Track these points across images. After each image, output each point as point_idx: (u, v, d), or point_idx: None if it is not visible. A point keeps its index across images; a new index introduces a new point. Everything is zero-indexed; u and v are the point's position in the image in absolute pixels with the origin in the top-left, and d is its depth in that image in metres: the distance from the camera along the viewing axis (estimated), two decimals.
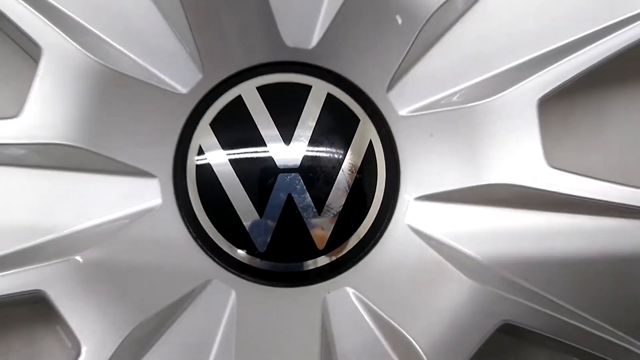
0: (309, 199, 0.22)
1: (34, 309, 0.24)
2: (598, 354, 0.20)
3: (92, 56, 0.20)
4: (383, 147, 0.22)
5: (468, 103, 0.22)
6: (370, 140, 0.22)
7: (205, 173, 0.21)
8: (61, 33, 0.19)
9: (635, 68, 0.26)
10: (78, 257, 0.19)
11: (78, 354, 0.20)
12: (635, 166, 0.26)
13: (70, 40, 0.19)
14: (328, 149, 0.22)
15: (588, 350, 0.20)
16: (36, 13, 0.19)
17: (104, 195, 0.20)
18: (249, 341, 0.21)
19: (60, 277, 0.19)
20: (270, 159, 0.21)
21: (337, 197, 0.22)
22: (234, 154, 0.21)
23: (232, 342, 0.20)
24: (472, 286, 0.21)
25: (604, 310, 0.20)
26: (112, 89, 0.20)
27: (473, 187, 0.22)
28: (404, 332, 0.21)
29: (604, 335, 0.20)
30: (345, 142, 0.21)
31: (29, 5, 0.19)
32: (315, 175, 0.22)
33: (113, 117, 0.20)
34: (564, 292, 0.20)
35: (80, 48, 0.19)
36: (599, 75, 0.23)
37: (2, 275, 0.18)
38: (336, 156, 0.22)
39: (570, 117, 0.27)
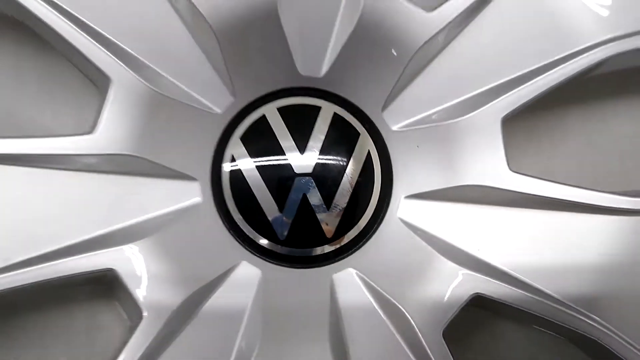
0: (319, 197, 0.26)
1: (94, 290, 0.29)
2: (552, 320, 0.25)
3: (148, 84, 0.24)
4: (379, 156, 0.27)
5: (447, 120, 0.27)
6: (369, 151, 0.27)
7: (237, 177, 0.26)
8: (125, 67, 0.24)
9: (590, 87, 0.30)
10: (140, 243, 0.24)
11: (138, 321, 0.24)
12: (589, 171, 0.31)
13: (131, 72, 0.24)
14: (334, 158, 0.26)
15: (544, 317, 0.25)
16: (107, 52, 0.23)
17: (157, 194, 0.25)
18: (273, 311, 0.25)
19: (127, 259, 0.23)
20: (289, 165, 0.26)
21: (342, 196, 0.26)
22: (260, 161, 0.26)
23: (259, 312, 0.25)
24: (451, 267, 0.26)
25: (556, 283, 0.25)
26: (163, 110, 0.25)
27: (451, 188, 0.26)
28: (396, 304, 0.25)
29: (556, 306, 0.25)
30: (348, 152, 0.26)
31: (101, 45, 0.23)
32: (325, 178, 0.26)
33: (164, 133, 0.25)
34: (524, 269, 0.25)
35: (139, 78, 0.24)
36: (559, 95, 0.28)
37: (83, 257, 0.23)
38: (341, 163, 0.26)
39: (534, 130, 0.31)
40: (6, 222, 0.22)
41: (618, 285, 0.25)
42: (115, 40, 0.24)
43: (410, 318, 0.25)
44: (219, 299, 0.25)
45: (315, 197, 0.26)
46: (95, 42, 0.23)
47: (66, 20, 0.23)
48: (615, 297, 0.24)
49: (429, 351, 0.24)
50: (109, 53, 0.23)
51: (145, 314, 0.23)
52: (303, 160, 0.26)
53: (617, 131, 0.30)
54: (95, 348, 0.28)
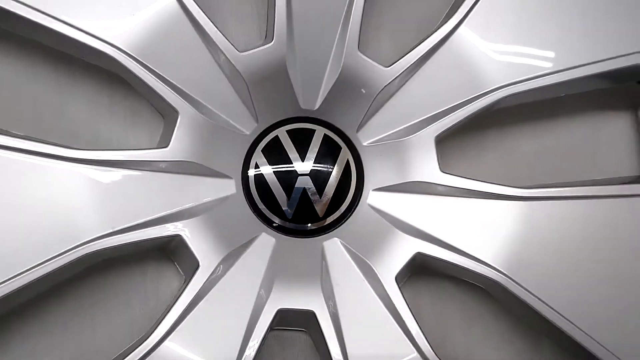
0: (314, 190, 0.38)
1: (146, 256, 0.39)
2: (469, 269, 0.36)
3: (202, 115, 0.36)
4: (354, 162, 0.38)
5: (400, 138, 0.38)
6: (347, 159, 0.39)
7: (259, 177, 0.37)
8: (188, 104, 0.35)
9: (507, 111, 0.42)
10: (196, 219, 0.35)
11: (193, 273, 0.36)
12: (505, 172, 0.42)
13: (191, 107, 0.35)
14: (324, 164, 0.38)
15: (465, 268, 0.36)
16: (176, 94, 0.35)
17: (207, 187, 0.36)
18: (282, 267, 0.37)
19: (188, 229, 0.35)
20: (294, 169, 0.37)
21: (329, 189, 0.38)
22: (274, 167, 0.37)
23: (273, 267, 0.36)
24: (402, 236, 0.37)
25: (473, 245, 0.36)
26: (211, 132, 0.36)
27: (403, 183, 0.38)
28: (366, 260, 0.37)
29: (471, 261, 0.36)
30: (333, 160, 0.38)
31: (173, 90, 0.35)
32: (318, 177, 0.38)
33: (211, 146, 0.36)
34: (451, 236, 0.36)
35: (196, 111, 0.36)
36: (479, 121, 0.40)
37: (161, 227, 0.34)
38: (329, 167, 0.38)
39: (465, 144, 0.43)
40: (113, 202, 0.33)
41: (515, 243, 0.36)
42: (181, 87, 0.35)
43: (375, 270, 0.37)
44: (246, 258, 0.37)
45: (311, 190, 0.38)
46: (169, 88, 0.35)
47: (150, 74, 0.35)
48: (511, 251, 0.36)
49: (387, 290, 0.36)
50: (177, 95, 0.35)
51: (200, 265, 0.34)
52: (303, 166, 0.38)
53: (523, 150, 0.42)
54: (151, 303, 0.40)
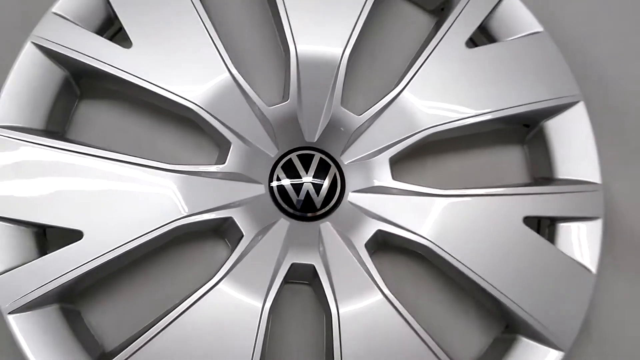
0: (314, 192, 0.57)
1: (205, 236, 0.59)
2: (410, 240, 0.56)
3: (244, 144, 0.56)
4: (339, 175, 0.57)
5: (368, 159, 0.58)
6: (335, 173, 0.58)
7: (280, 185, 0.57)
8: (237, 137, 0.56)
9: (438, 143, 0.62)
10: (239, 208, 0.55)
11: (237, 242, 0.55)
12: (438, 181, 0.62)
13: (238, 139, 0.56)
14: (320, 176, 0.57)
15: (407, 240, 0.56)
16: (230, 131, 0.56)
17: (246, 189, 0.56)
18: (293, 239, 0.56)
19: (236, 214, 0.55)
20: (301, 179, 0.57)
21: (323, 191, 0.57)
22: (290, 178, 0.57)
23: (287, 241, 0.56)
24: (369, 220, 0.56)
25: (411, 223, 0.56)
26: (249, 155, 0.57)
27: (370, 187, 0.57)
28: (347, 235, 0.56)
29: (409, 234, 0.56)
30: (325, 173, 0.56)
31: (228, 130, 0.56)
32: (316, 185, 0.58)
33: (249, 164, 0.56)
34: (399, 218, 0.56)
35: (241, 141, 0.56)
36: (421, 148, 0.60)
37: (219, 212, 0.54)
38: (323, 178, 0.58)
39: (412, 164, 0.63)
40: (191, 196, 0.53)
41: (440, 222, 0.55)
42: (233, 127, 0.56)
43: (353, 242, 0.56)
44: (271, 233, 0.56)
45: (311, 192, 0.57)
46: (225, 128, 0.55)
47: (214, 119, 0.55)
48: (437, 227, 0.55)
49: (360, 254, 0.55)
50: (231, 132, 0.55)
51: (244, 235, 0.54)
52: (307, 177, 0.58)
53: (450, 168, 0.62)
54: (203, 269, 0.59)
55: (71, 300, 0.54)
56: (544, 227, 0.58)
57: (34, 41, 0.53)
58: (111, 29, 0.56)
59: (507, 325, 0.58)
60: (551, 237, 0.57)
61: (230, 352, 0.51)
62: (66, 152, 0.52)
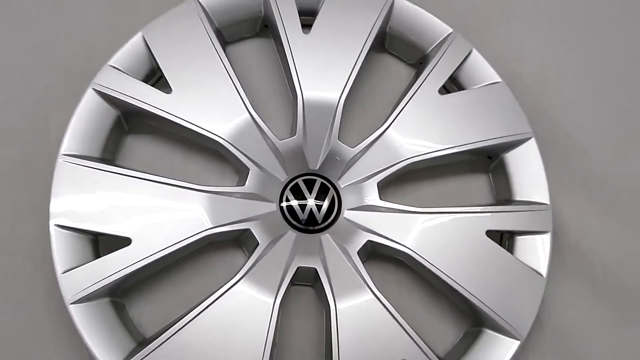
0: (316, 210, 0.69)
1: (225, 246, 0.71)
2: (394, 249, 0.67)
3: (260, 170, 0.69)
4: (336, 196, 0.70)
5: (360, 183, 0.70)
6: (333, 194, 0.70)
7: (289, 204, 0.69)
8: (253, 164, 0.68)
9: (417, 172, 0.75)
10: (255, 222, 0.67)
11: (253, 250, 0.67)
12: (417, 202, 0.74)
13: (255, 166, 0.68)
14: (320, 197, 0.70)
15: (393, 249, 0.68)
16: (250, 160, 0.68)
17: (261, 206, 0.68)
18: (299, 248, 0.67)
19: (253, 226, 0.66)
20: (305, 200, 0.69)
21: (323, 210, 0.68)
22: (297, 199, 0.69)
23: (293, 248, 0.67)
24: (360, 232, 0.68)
25: (397, 235, 0.68)
26: (264, 179, 0.69)
27: (362, 205, 0.69)
28: (343, 245, 0.67)
29: (394, 244, 0.68)
30: (325, 195, 0.68)
31: (247, 159, 0.68)
32: (317, 204, 0.70)
33: (263, 187, 0.69)
34: (386, 231, 0.68)
35: (257, 168, 0.68)
36: (402, 176, 0.73)
37: (239, 225, 0.66)
38: (323, 198, 0.70)
39: (395, 190, 0.75)
40: (216, 211, 0.65)
41: (419, 233, 0.68)
42: (251, 157, 0.68)
43: (348, 250, 0.68)
44: (281, 242, 0.68)
45: (315, 210, 0.69)
46: (246, 157, 0.68)
47: (237, 150, 0.68)
48: (417, 238, 0.67)
49: (353, 259, 0.67)
50: (250, 161, 0.68)
51: (260, 244, 0.66)
52: (310, 198, 0.70)
53: (427, 193, 0.74)
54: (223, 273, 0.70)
55: (118, 295, 0.65)
56: (505, 239, 0.70)
57: (94, 87, 0.66)
58: (155, 77, 0.70)
59: (475, 321, 0.69)
60: (510, 247, 0.69)
61: (246, 340, 0.62)
62: (117, 175, 0.64)
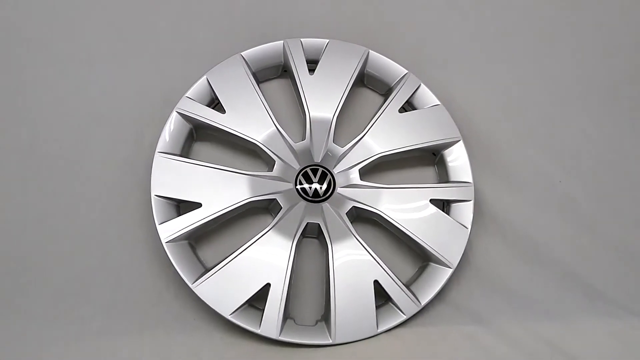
0: (319, 187, 1.02)
1: (260, 212, 1.04)
2: (377, 214, 1.00)
3: (282, 162, 1.02)
4: (332, 178, 1.03)
5: (348, 170, 1.04)
6: (330, 177, 1.04)
7: (302, 186, 1.02)
8: (278, 158, 1.02)
9: (391, 163, 1.08)
10: (280, 194, 1.00)
11: (279, 211, 0.99)
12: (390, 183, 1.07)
13: (279, 159, 1.02)
14: (322, 180, 1.03)
15: (377, 215, 1.00)
16: (275, 155, 1.02)
17: (283, 185, 1.01)
18: (308, 212, 1.00)
19: (278, 197, 0.99)
20: (312, 182, 1.02)
21: (323, 188, 1.02)
22: (306, 181, 1.03)
23: (304, 213, 1.00)
24: (348, 201, 1.01)
25: (378, 205, 1.00)
26: (285, 168, 1.02)
27: (349, 185, 1.03)
28: (337, 209, 1.01)
29: (374, 209, 1.00)
30: (324, 178, 1.02)
31: (274, 154, 1.02)
32: (321, 186, 1.03)
33: (284, 173, 1.02)
34: (366, 200, 1.00)
35: (278, 161, 1.02)
36: (382, 166, 1.06)
37: (271, 194, 0.99)
38: (324, 181, 1.03)
39: (377, 175, 1.08)
40: (254, 187, 0.99)
41: (387, 201, 1.00)
42: (277, 153, 1.02)
43: (340, 213, 1.00)
44: (296, 208, 1.00)
45: (318, 188, 1.02)
46: (274, 154, 1.02)
47: (268, 149, 1.02)
48: (386, 204, 1.00)
49: (343, 219, 0.99)
50: (276, 156, 1.02)
51: (282, 208, 0.99)
52: (315, 181, 1.03)
53: (391, 178, 1.07)
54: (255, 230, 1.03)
55: (193, 240, 0.98)
56: (445, 206, 1.03)
57: (177, 111, 1.01)
58: (214, 103, 1.04)
59: (424, 259, 1.01)
60: (447, 210, 1.02)
61: (274, 269, 0.94)
62: (191, 164, 0.98)
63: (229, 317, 0.91)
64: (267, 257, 0.95)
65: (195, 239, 1.00)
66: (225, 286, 0.93)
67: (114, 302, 0.95)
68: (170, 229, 0.95)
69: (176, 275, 0.92)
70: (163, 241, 0.94)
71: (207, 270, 0.94)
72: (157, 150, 0.99)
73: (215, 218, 0.96)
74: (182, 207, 0.99)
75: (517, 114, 1.11)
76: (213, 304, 0.92)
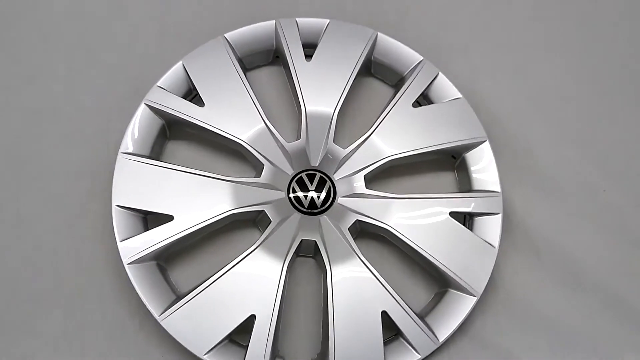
0: (317, 197, 0.84)
1: (244, 225, 0.86)
2: (379, 227, 0.82)
3: (272, 166, 0.84)
4: (332, 186, 0.85)
5: (350, 176, 0.85)
6: (330, 185, 0.85)
7: (295, 194, 0.84)
8: (267, 161, 0.84)
9: (398, 168, 0.90)
10: (269, 204, 0.82)
11: (267, 225, 0.81)
12: (398, 191, 0.89)
13: (269, 163, 0.84)
14: (320, 188, 0.85)
15: (379, 228, 0.82)
16: (265, 158, 0.84)
17: (273, 194, 0.83)
18: (303, 225, 0.82)
19: (267, 209, 0.81)
20: (308, 190, 0.84)
21: (321, 197, 0.84)
22: (301, 189, 0.84)
23: (299, 225, 0.82)
24: (350, 213, 0.83)
25: (381, 216, 0.82)
26: (275, 173, 0.84)
27: (352, 193, 0.84)
28: (337, 223, 0.82)
29: (377, 222, 0.82)
30: (323, 185, 0.84)
31: (262, 156, 0.84)
32: (318, 193, 0.85)
33: (275, 179, 0.84)
34: (372, 212, 0.82)
35: (268, 165, 0.84)
36: (387, 171, 0.88)
37: (256, 206, 0.81)
38: (322, 189, 0.85)
39: (381, 182, 0.90)
40: (237, 196, 0.81)
41: (398, 214, 0.82)
42: (266, 155, 0.84)
43: (341, 228, 0.82)
44: (289, 221, 0.82)
45: (315, 198, 0.84)
46: (262, 155, 0.84)
47: (255, 150, 0.83)
48: (396, 218, 0.81)
49: (345, 234, 0.81)
50: (265, 158, 0.83)
51: (272, 221, 0.81)
52: (312, 188, 0.85)
53: (404, 186, 0.89)
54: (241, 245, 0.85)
55: (162, 260, 0.80)
56: (467, 219, 0.85)
57: (146, 103, 0.83)
58: (191, 95, 0.86)
59: (442, 284, 0.83)
60: (470, 225, 0.84)
61: (260, 296, 0.77)
62: (162, 168, 0.80)
63: (205, 358, 0.73)
64: (253, 283, 0.77)
65: (166, 259, 0.82)
66: (200, 318, 0.75)
67: (65, 334, 0.77)
68: (135, 247, 0.77)
69: (142, 303, 0.74)
70: (125, 262, 0.76)
71: (179, 298, 0.76)
72: (121, 150, 0.81)
73: (190, 234, 0.78)
74: (149, 220, 0.81)
75: (553, 109, 0.92)
76: (185, 341, 0.74)
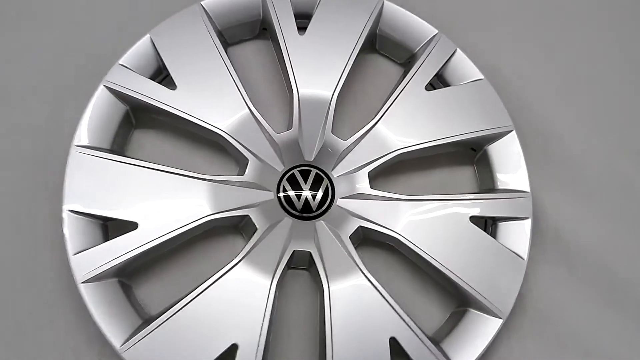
0: (311, 198, 0.71)
1: (227, 232, 0.72)
2: (383, 234, 0.69)
3: (258, 161, 0.70)
4: (330, 185, 0.72)
5: (352, 173, 0.71)
6: (327, 184, 0.72)
7: (286, 194, 0.70)
8: (252, 155, 0.70)
9: (407, 162, 0.76)
10: (255, 208, 0.68)
11: (252, 234, 0.68)
12: (408, 191, 0.75)
13: (254, 157, 0.70)
14: (315, 187, 0.71)
15: (381, 235, 0.69)
16: (250, 153, 0.70)
17: (260, 195, 0.69)
18: (295, 233, 0.69)
19: (252, 213, 0.68)
20: (301, 189, 0.71)
21: (317, 198, 0.71)
22: (293, 188, 0.71)
23: (290, 232, 0.69)
24: (352, 218, 0.69)
25: (385, 221, 0.69)
26: (262, 170, 0.70)
27: (354, 194, 0.71)
28: (334, 228, 0.69)
29: (382, 229, 0.69)
30: (319, 183, 0.71)
31: (246, 149, 0.70)
32: (314, 193, 0.71)
33: (262, 176, 0.70)
34: (375, 217, 0.69)
35: (255, 159, 0.70)
36: (394, 167, 0.74)
37: (240, 211, 0.67)
38: (317, 188, 0.71)
39: (387, 179, 0.76)
40: (218, 198, 0.67)
41: (407, 219, 0.69)
42: (250, 148, 0.70)
43: (340, 235, 0.69)
44: (279, 227, 0.69)
45: (310, 199, 0.71)
46: (245, 149, 0.70)
47: (237, 142, 0.69)
48: (404, 224, 0.68)
49: (345, 244, 0.68)
50: (249, 152, 0.69)
51: (258, 228, 0.67)
52: (306, 187, 0.71)
53: (416, 182, 0.75)
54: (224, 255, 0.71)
55: (126, 277, 0.66)
56: (489, 225, 0.71)
57: (105, 84, 0.68)
58: (161, 75, 0.71)
59: (460, 302, 0.70)
60: (493, 232, 0.70)
61: (245, 318, 0.63)
62: (126, 164, 0.66)
63: None
64: (235, 304, 0.64)
65: (130, 275, 0.68)
66: (171, 348, 0.61)
67: None
68: (91, 261, 0.63)
69: (99, 330, 0.61)
70: (78, 281, 0.62)
71: (146, 323, 0.63)
72: (74, 143, 0.66)
73: (159, 245, 0.64)
74: (110, 227, 0.67)
75: (585, 95, 0.78)
76: None
